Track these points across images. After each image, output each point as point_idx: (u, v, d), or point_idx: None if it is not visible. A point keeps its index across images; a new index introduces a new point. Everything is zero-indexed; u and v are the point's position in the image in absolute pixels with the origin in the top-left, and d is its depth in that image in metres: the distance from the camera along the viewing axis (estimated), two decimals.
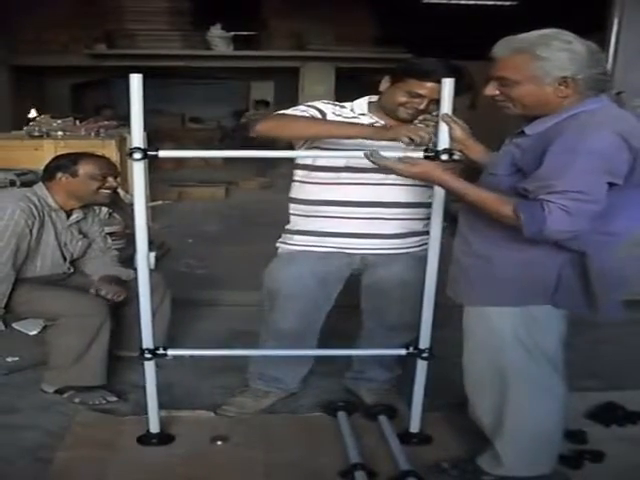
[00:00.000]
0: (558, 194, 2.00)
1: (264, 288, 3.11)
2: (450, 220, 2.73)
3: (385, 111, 2.88)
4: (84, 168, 3.33)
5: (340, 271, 3.05)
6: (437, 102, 2.56)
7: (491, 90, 2.30)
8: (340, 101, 3.00)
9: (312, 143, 2.89)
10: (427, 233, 2.73)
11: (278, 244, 3.12)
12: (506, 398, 2.45)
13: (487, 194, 2.19)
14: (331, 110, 2.89)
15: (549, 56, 2.14)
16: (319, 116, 2.84)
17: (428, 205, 2.69)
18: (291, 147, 3.03)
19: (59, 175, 3.33)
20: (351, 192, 2.90)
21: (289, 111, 2.84)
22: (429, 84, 2.70)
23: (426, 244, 2.74)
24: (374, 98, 2.96)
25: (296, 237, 3.04)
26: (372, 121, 2.88)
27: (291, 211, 3.09)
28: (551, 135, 2.12)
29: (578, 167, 2.01)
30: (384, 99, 2.89)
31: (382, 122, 2.85)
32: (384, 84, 2.89)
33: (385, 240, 2.95)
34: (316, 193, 2.96)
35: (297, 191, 3.04)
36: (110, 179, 3.38)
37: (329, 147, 2.83)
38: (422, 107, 2.74)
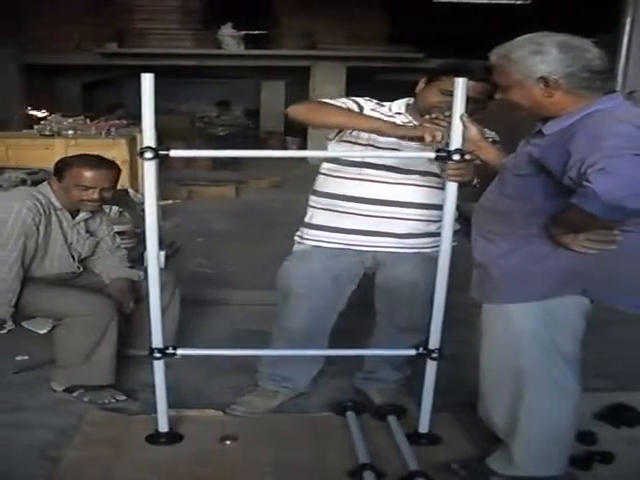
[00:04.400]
0: (592, 165, 1.94)
1: (278, 286, 3.12)
2: (464, 222, 2.73)
3: (420, 112, 2.85)
4: (70, 175, 3.27)
5: (352, 269, 3.05)
6: (473, 101, 2.58)
7: (499, 94, 2.40)
8: None
9: (343, 137, 2.92)
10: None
11: (295, 237, 3.15)
12: (522, 398, 2.44)
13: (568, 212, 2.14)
14: (370, 107, 2.90)
15: (520, 59, 2.22)
16: (355, 108, 2.85)
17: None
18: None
19: (54, 177, 3.34)
20: (369, 189, 2.91)
21: (329, 100, 2.85)
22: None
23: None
24: (412, 100, 2.95)
25: (312, 232, 3.06)
26: (406, 120, 2.89)
27: (310, 203, 3.11)
28: (571, 131, 2.12)
29: (606, 145, 1.98)
30: (418, 100, 2.89)
31: (416, 123, 2.83)
32: (420, 85, 2.89)
33: (397, 239, 2.96)
34: (337, 187, 2.98)
35: (321, 184, 3.07)
36: (91, 191, 3.27)
37: (359, 142, 2.86)
38: None
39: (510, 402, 2.47)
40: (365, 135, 2.85)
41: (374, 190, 2.91)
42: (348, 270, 3.05)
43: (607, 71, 2.26)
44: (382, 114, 2.89)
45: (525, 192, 2.30)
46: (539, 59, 2.19)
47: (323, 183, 3.05)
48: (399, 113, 2.92)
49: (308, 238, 3.08)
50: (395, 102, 2.99)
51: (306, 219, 3.12)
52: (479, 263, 2.48)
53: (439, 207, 2.84)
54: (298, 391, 3.31)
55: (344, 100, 2.88)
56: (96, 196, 3.28)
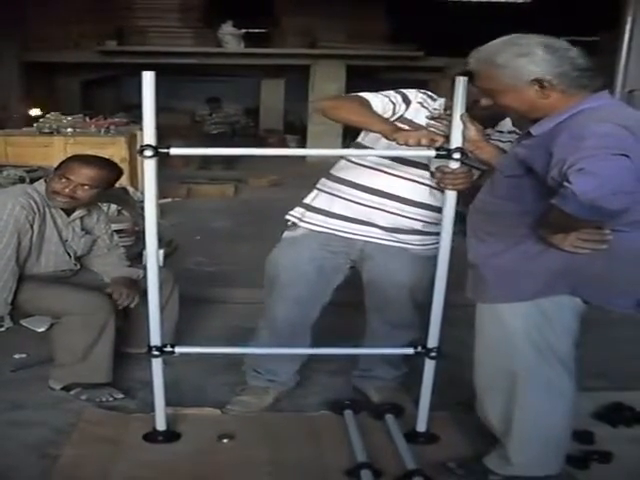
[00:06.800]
0: (573, 165, 1.94)
1: (265, 274, 3.12)
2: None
3: None
4: (61, 167, 3.26)
5: (338, 260, 3.03)
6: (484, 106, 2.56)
7: (487, 101, 2.40)
8: None
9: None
10: (432, 234, 2.72)
11: (288, 217, 3.10)
12: (516, 398, 2.44)
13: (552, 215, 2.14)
14: (419, 100, 2.89)
15: (507, 63, 2.19)
16: (400, 102, 2.84)
17: (440, 210, 2.67)
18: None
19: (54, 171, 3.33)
20: (376, 179, 2.89)
21: (366, 94, 2.83)
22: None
23: (430, 244, 2.73)
24: None
25: (308, 214, 3.04)
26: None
27: (317, 185, 3.08)
28: (556, 132, 2.12)
29: (587, 145, 1.97)
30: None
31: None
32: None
33: (381, 231, 2.93)
34: (347, 173, 2.96)
35: (337, 168, 3.04)
36: (64, 184, 3.22)
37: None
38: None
39: (504, 402, 2.48)
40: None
41: (380, 181, 2.88)
42: (333, 260, 3.03)
43: (591, 69, 2.23)
44: (425, 106, 2.88)
45: (515, 193, 2.30)
46: (526, 61, 2.16)
47: (340, 168, 3.02)
48: (436, 109, 2.90)
49: (303, 220, 3.04)
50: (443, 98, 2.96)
51: (306, 200, 3.08)
52: (472, 263, 2.48)
53: (437, 209, 2.82)
54: (286, 385, 3.30)
55: (388, 93, 2.85)
56: (67, 191, 3.24)
